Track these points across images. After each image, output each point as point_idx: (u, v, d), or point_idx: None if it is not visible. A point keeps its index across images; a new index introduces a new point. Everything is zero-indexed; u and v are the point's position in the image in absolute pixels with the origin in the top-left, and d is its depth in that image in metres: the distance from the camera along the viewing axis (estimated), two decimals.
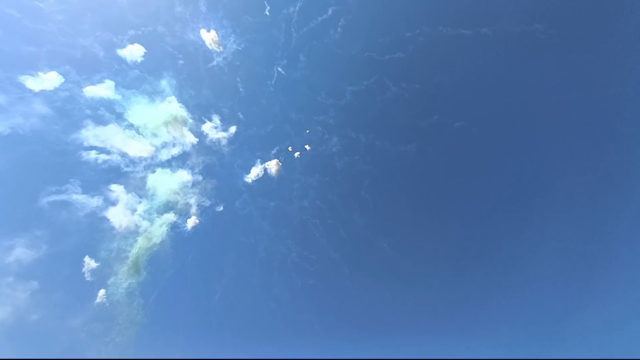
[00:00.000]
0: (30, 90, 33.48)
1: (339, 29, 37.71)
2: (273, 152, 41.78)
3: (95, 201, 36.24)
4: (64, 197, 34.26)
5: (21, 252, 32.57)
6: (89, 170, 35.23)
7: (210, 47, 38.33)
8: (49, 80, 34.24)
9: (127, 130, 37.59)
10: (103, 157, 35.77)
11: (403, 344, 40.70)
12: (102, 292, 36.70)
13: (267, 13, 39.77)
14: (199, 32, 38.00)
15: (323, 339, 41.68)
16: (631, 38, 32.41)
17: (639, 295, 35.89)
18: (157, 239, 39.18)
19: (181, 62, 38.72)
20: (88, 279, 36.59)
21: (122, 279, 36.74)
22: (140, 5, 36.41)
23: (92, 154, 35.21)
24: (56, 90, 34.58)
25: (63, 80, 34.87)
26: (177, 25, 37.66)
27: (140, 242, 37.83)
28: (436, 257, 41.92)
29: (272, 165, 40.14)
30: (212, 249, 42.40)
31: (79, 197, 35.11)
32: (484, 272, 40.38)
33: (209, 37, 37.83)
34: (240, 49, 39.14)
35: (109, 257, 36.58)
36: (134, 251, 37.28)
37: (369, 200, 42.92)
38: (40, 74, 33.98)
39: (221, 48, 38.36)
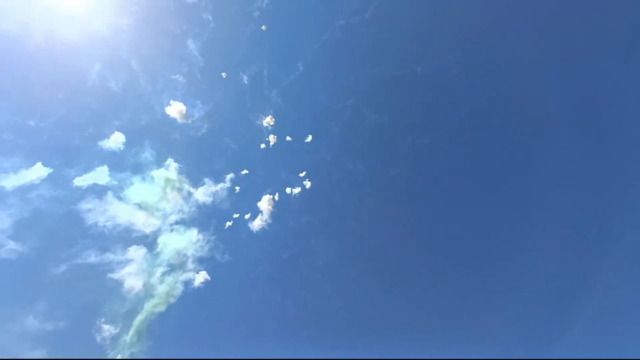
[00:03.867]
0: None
1: (274, 94, 44.97)
2: (267, 193, 43.33)
3: (105, 263, 37.44)
4: (77, 261, 36.13)
5: (32, 321, 33.18)
6: (96, 236, 37.61)
7: (180, 121, 42.87)
8: (34, 172, 36.48)
9: (130, 206, 40.67)
10: (110, 223, 38.32)
11: None
12: None
13: (245, 82, 46.45)
14: (165, 107, 42.34)
15: None
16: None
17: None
18: (167, 299, 38.47)
19: (173, 136, 43.46)
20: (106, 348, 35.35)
21: (123, 349, 34.93)
22: (111, 96, 40.59)
23: (100, 221, 37.83)
24: (43, 181, 36.73)
25: (51, 170, 37.40)
26: (151, 105, 42.67)
27: (147, 306, 37.22)
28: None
29: (264, 204, 40.89)
30: (223, 304, 41.51)
31: (91, 260, 36.67)
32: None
33: (177, 110, 42.39)
34: (208, 110, 43.94)
35: (119, 322, 35.73)
36: (139, 317, 36.40)
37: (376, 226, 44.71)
38: (23, 170, 36.29)
39: (189, 120, 43.16)
